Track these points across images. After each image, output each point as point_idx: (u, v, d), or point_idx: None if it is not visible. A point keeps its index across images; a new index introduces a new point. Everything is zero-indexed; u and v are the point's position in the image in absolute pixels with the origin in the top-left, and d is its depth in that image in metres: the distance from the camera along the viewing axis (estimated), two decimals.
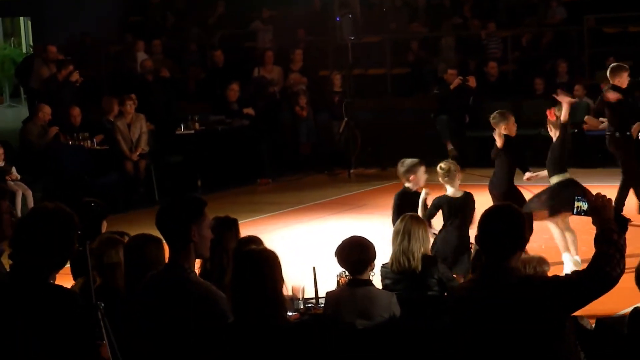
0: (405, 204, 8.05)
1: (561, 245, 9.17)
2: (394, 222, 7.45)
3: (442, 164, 8.37)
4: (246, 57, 18.78)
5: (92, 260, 5.70)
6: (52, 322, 3.82)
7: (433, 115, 16.27)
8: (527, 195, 9.56)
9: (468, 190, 8.46)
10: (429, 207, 8.25)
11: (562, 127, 9.17)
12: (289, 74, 17.47)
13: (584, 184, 9.37)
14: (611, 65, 11.08)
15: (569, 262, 9.02)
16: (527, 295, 4.05)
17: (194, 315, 4.39)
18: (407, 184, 8.29)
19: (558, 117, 9.19)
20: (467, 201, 8.27)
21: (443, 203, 8.27)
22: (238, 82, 16.15)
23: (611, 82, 10.86)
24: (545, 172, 9.30)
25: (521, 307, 4.04)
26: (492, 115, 9.27)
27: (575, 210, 4.31)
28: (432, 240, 8.07)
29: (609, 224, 4.13)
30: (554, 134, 9.29)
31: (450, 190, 8.34)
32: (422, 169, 8.25)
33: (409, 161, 8.29)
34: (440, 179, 8.39)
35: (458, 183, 8.35)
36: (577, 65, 17.14)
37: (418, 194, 8.25)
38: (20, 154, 13.80)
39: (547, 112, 9.32)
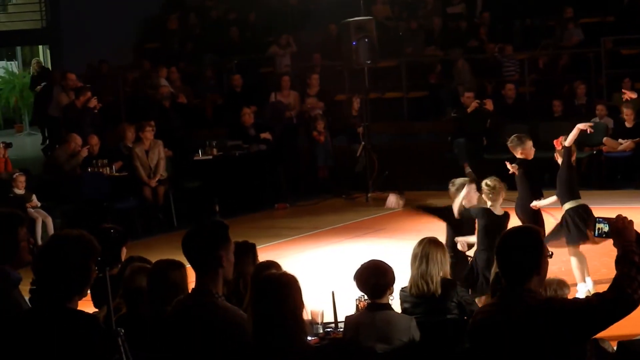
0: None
1: (579, 275, 9.08)
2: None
3: (488, 181, 8.36)
4: (263, 82, 18.86)
5: (121, 289, 5.70)
6: (73, 347, 3.83)
7: (450, 138, 16.26)
8: (549, 218, 9.51)
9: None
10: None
11: (567, 151, 9.12)
12: (305, 99, 17.52)
13: (604, 206, 9.32)
14: None
15: (583, 290, 8.95)
16: (547, 318, 4.02)
17: (224, 340, 4.38)
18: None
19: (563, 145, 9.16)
20: (505, 221, 8.25)
21: (483, 215, 8.23)
22: (251, 107, 16.21)
23: None
24: (552, 198, 9.22)
25: (542, 330, 4.02)
26: (509, 139, 9.27)
27: (596, 232, 4.28)
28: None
29: (631, 245, 4.09)
30: (560, 161, 9.26)
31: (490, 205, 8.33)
32: (472, 186, 8.33)
33: (459, 181, 8.40)
34: (484, 196, 8.38)
35: (500, 202, 8.33)
36: (595, 87, 17.12)
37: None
38: (45, 180, 13.91)
39: (554, 142, 9.31)
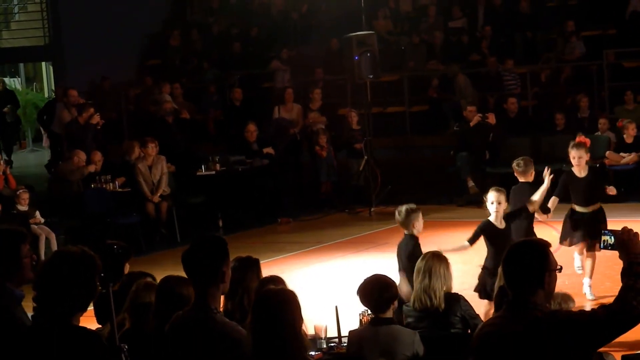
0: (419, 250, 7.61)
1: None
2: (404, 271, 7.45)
3: (489, 193, 8.22)
4: (265, 97, 18.88)
5: (126, 304, 5.69)
6: None
7: (453, 152, 16.26)
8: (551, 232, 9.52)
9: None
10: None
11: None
12: (308, 113, 17.54)
13: (608, 219, 9.35)
14: None
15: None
16: (552, 330, 4.02)
17: (221, 355, 4.37)
18: (407, 232, 7.77)
19: None
20: (508, 232, 8.17)
21: (485, 230, 8.13)
22: (254, 123, 16.23)
23: None
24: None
25: (547, 343, 4.01)
26: (517, 162, 9.03)
27: (602, 244, 4.28)
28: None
29: (637, 258, 4.09)
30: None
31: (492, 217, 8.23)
32: (419, 214, 7.75)
33: (404, 209, 7.75)
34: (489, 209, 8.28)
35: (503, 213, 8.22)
36: (597, 100, 17.12)
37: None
38: (49, 197, 13.91)
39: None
